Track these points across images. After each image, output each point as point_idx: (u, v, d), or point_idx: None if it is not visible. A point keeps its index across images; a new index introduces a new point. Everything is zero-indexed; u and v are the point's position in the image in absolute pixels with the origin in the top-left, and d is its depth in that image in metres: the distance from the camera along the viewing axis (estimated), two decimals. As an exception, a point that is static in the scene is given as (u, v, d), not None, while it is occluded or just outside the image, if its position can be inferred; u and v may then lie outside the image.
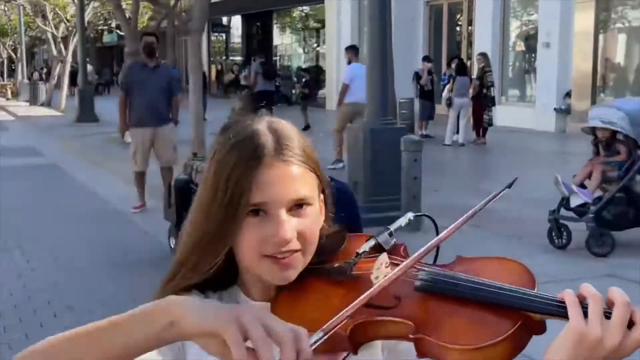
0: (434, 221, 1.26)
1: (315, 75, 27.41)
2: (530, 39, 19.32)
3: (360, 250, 1.21)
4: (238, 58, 34.56)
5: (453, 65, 16.10)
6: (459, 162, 14.29)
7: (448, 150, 14.81)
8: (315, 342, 1.02)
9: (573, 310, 1.02)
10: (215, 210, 1.18)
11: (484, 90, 15.17)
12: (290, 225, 1.17)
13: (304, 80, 21.41)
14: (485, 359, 1.04)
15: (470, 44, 21.09)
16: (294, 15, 33.54)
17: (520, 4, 20.04)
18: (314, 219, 1.22)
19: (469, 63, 18.97)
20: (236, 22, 36.90)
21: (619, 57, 18.01)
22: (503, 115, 17.88)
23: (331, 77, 26.04)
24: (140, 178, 9.17)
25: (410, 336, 1.09)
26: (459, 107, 15.20)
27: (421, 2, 22.60)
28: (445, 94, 15.67)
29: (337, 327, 1.06)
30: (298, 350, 0.93)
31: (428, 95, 16.36)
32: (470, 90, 15.20)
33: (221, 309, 0.97)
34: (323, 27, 29.10)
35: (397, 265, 1.16)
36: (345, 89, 12.09)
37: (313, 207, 1.21)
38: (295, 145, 1.20)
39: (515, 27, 20.24)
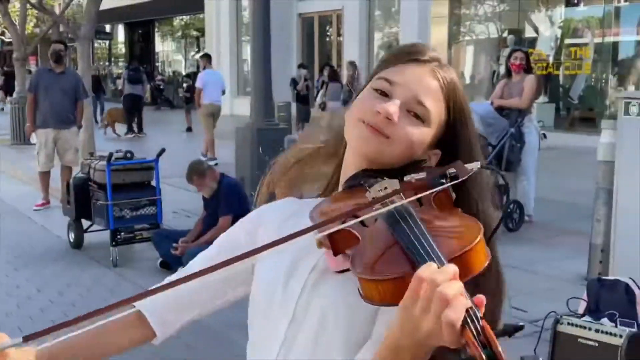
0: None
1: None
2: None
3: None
4: (121, 64, 33.82)
5: (325, 72, 16.50)
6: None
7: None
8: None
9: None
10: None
11: (354, 95, 15.64)
12: (395, 107, 1.18)
13: (185, 85, 21.24)
14: (377, 289, 1.01)
15: (339, 52, 21.59)
16: (174, 24, 33.13)
17: (383, 18, 20.68)
18: (417, 136, 1.19)
19: (339, 70, 19.44)
20: (119, 29, 36.09)
21: (469, 66, 18.96)
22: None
23: (212, 82, 25.93)
24: (44, 177, 9.04)
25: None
26: (331, 111, 15.66)
27: (294, 13, 22.91)
28: (318, 99, 16.06)
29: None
30: None
31: (304, 100, 16.71)
32: (342, 95, 15.65)
33: None
34: (203, 35, 28.92)
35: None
36: (199, 93, 12.94)
37: (424, 129, 1.20)
38: (449, 75, 1.23)
39: (379, 38, 20.88)
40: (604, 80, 15.39)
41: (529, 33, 16.96)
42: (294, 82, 16.91)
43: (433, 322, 0.91)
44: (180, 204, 8.47)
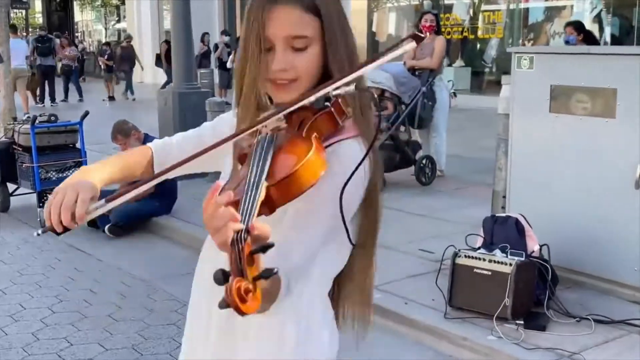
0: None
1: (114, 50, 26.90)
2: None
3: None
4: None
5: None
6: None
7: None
8: (97, 208, 1.38)
9: None
10: (249, 45, 1.38)
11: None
12: (283, 57, 1.36)
13: (107, 53, 20.97)
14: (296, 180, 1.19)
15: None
16: (93, -8, 32.46)
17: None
18: (310, 59, 1.38)
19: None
20: (35, -2, 35.12)
21: (390, 31, 19.34)
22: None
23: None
24: None
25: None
26: None
27: (216, -19, 22.85)
28: (229, 64, 16.25)
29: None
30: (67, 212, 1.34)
31: (225, 66, 16.82)
32: None
33: (70, 179, 1.41)
34: (123, 3, 28.46)
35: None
36: None
37: (311, 49, 1.37)
38: None
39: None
40: (515, 44, 16.03)
41: (446, -1, 17.47)
42: (216, 49, 16.98)
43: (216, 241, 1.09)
44: (106, 168, 8.59)
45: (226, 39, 17.03)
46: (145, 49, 24.25)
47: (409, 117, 7.68)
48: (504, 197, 5.40)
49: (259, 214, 1.14)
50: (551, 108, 4.61)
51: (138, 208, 6.24)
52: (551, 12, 15.30)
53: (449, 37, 16.26)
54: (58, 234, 1.38)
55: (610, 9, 14.23)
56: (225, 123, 1.59)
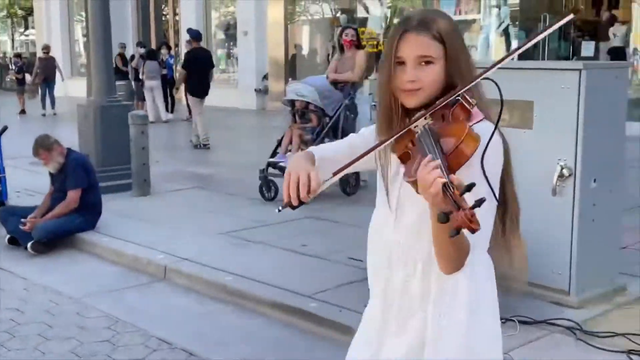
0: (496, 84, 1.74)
1: (30, 61, 26.14)
2: (230, 28, 20.20)
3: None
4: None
5: (163, 51, 16.50)
6: (175, 136, 14.68)
7: (160, 126, 15.14)
8: (325, 181, 1.75)
9: None
10: (386, 61, 1.79)
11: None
12: (413, 71, 1.75)
13: (17, 65, 20.35)
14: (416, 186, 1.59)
15: (177, 32, 21.50)
16: (-1, 2, 31.43)
17: (219, -4, 20.81)
18: (433, 73, 1.75)
19: (177, 49, 19.45)
20: None
21: (305, 44, 19.55)
22: (211, 95, 18.59)
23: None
24: None
25: None
26: (150, 88, 15.84)
27: (129, -8, 22.52)
28: (141, 75, 16.18)
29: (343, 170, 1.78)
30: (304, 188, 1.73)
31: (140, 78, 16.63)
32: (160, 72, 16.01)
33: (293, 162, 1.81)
34: (31, 14, 27.68)
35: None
36: None
37: (434, 65, 1.75)
38: (432, 25, 1.75)
39: (215, 18, 21.00)
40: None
41: (360, 13, 17.77)
42: (132, 60, 16.77)
43: (429, 197, 1.52)
44: (22, 184, 8.34)
45: (142, 50, 16.80)
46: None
47: (333, 129, 7.80)
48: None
49: None
50: (473, 120, 4.80)
51: (61, 224, 6.11)
52: (460, 26, 15.79)
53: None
54: (294, 207, 1.75)
55: (517, 22, 14.82)
56: (370, 134, 1.95)
